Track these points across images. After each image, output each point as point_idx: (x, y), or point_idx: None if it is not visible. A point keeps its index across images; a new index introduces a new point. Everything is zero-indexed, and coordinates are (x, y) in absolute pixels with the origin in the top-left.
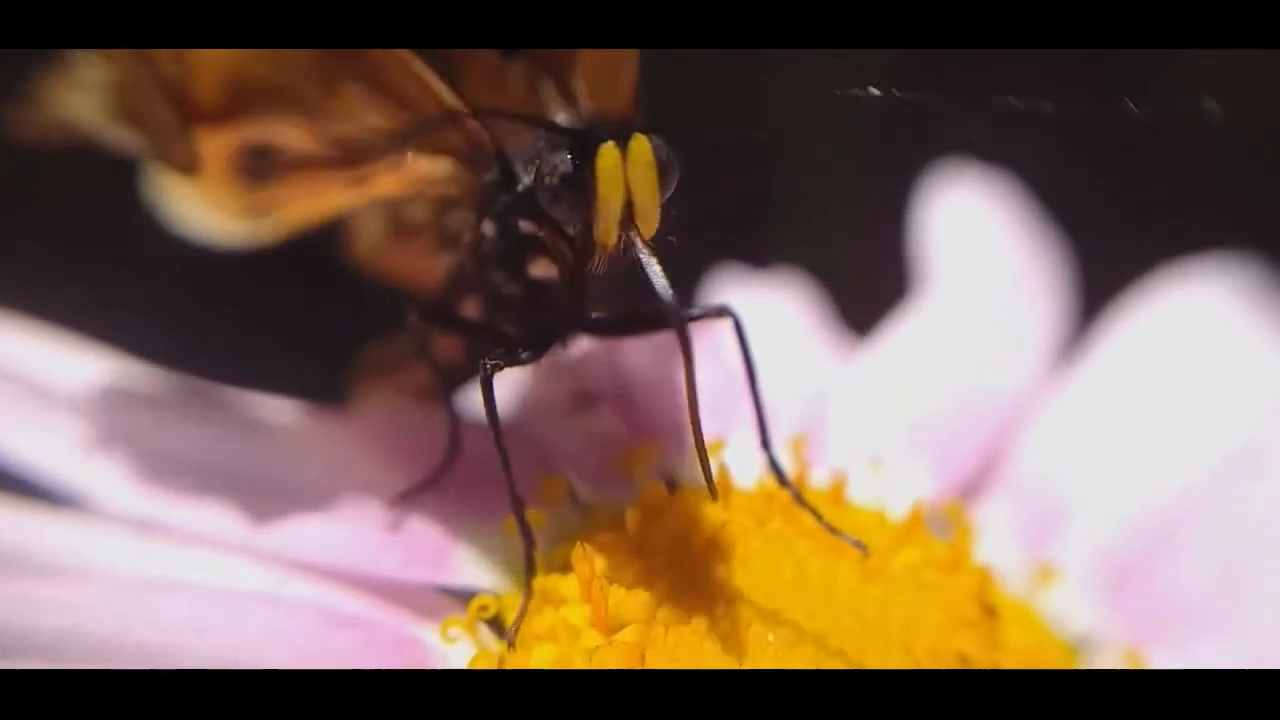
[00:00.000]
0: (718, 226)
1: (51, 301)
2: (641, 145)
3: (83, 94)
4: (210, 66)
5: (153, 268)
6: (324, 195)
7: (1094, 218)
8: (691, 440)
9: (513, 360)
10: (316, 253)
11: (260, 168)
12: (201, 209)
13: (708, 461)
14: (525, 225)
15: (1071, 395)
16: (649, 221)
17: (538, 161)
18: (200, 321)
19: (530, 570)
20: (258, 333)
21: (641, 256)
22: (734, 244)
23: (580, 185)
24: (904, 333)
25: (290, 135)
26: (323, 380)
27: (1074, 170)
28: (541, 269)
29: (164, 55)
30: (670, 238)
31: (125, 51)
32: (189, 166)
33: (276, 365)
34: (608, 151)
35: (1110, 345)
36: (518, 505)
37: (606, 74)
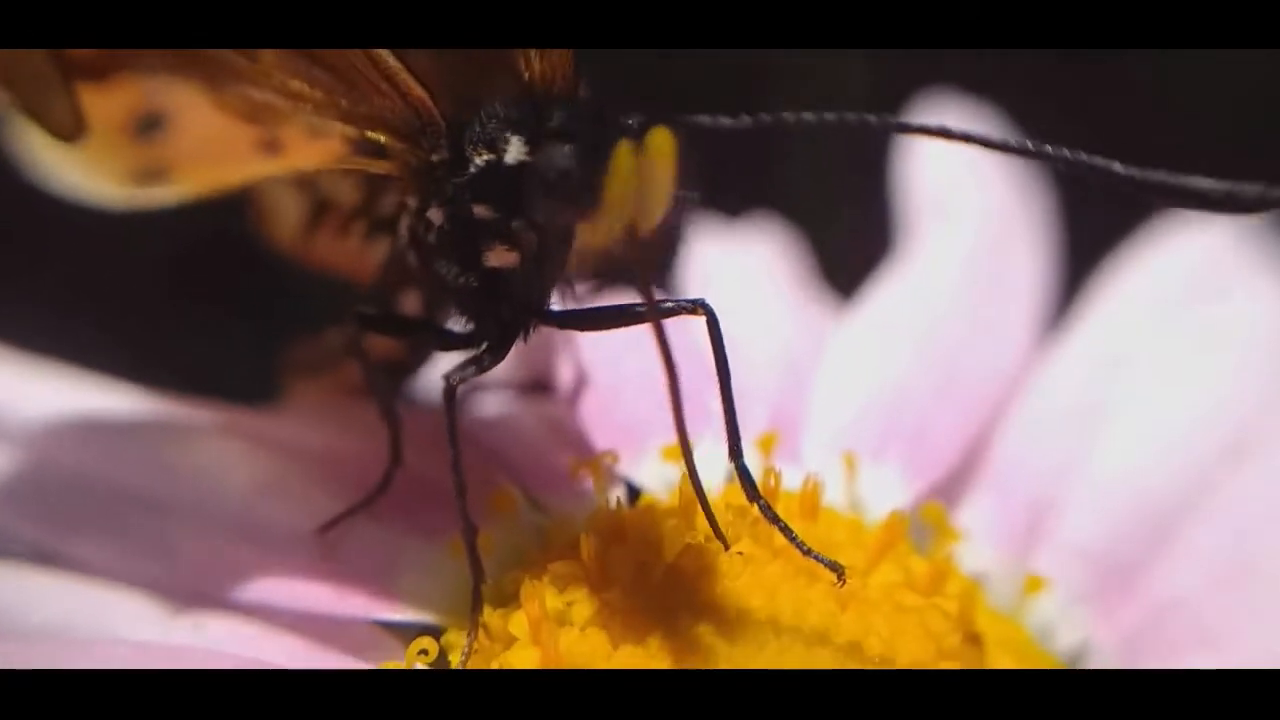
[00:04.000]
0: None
1: None
2: (663, 137)
3: None
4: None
5: (49, 249)
6: (230, 162)
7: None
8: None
9: (479, 369)
10: (239, 235)
11: (153, 128)
12: (83, 169)
13: (709, 508)
14: (481, 210)
15: (1060, 372)
16: (654, 218)
17: (496, 141)
18: (110, 313)
19: (477, 607)
20: (173, 325)
21: (633, 250)
22: (711, 193)
23: (584, 183)
24: (880, 304)
25: (187, 98)
26: (248, 379)
27: (1064, 115)
28: (499, 258)
29: None
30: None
31: None
32: (72, 130)
33: (195, 361)
34: (625, 151)
35: (1100, 311)
36: (470, 534)
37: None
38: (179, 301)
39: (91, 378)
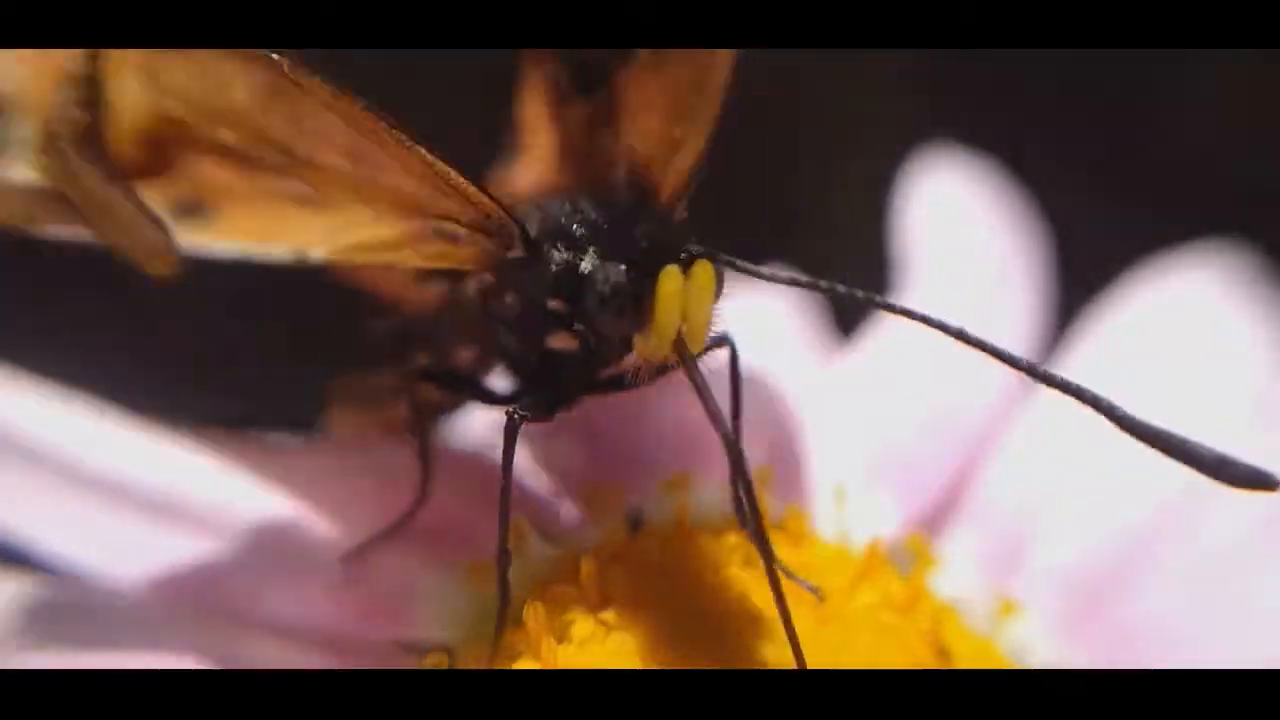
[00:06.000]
0: (712, 221)
1: None
2: (705, 271)
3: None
4: (128, 118)
5: (121, 291)
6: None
7: (1079, 203)
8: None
9: (539, 415)
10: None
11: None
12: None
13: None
14: (553, 304)
15: (1045, 409)
16: (699, 341)
17: (574, 247)
18: (166, 344)
19: (501, 627)
20: (224, 355)
21: (689, 372)
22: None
23: (634, 300)
24: (874, 347)
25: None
26: (295, 407)
27: (1058, 156)
28: (560, 342)
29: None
30: None
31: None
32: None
33: (244, 391)
34: (671, 276)
35: (1088, 350)
36: (504, 560)
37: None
38: (230, 333)
39: (139, 415)
